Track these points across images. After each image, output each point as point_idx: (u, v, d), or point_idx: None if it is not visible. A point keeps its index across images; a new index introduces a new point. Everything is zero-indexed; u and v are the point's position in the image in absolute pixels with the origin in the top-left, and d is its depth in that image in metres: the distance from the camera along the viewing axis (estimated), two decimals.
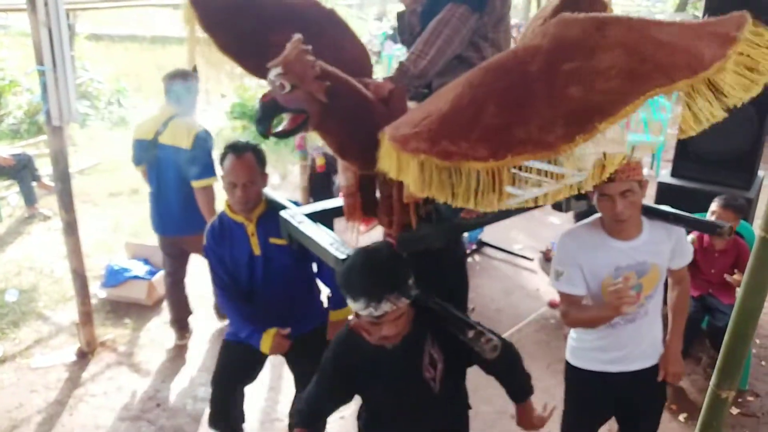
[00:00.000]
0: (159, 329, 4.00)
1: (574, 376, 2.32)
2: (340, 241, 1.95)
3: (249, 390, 2.75)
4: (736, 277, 3.34)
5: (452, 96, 1.39)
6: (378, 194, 2.05)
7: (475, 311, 4.14)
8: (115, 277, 4.23)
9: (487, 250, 5.19)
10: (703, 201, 3.48)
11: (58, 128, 3.29)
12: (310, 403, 1.97)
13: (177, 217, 3.45)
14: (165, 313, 4.17)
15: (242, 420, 2.76)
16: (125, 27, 14.40)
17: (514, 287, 4.61)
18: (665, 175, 4.00)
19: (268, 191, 2.53)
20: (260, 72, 1.92)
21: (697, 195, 3.65)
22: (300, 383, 2.68)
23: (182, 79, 3.40)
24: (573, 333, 2.33)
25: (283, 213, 2.20)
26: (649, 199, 4.21)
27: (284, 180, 6.80)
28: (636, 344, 2.16)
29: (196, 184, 3.33)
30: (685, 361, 3.35)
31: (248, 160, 2.38)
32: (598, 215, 2.12)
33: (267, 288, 2.49)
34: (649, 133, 7.91)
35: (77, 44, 8.71)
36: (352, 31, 2.14)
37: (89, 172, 6.85)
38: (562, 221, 5.76)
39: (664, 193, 3.89)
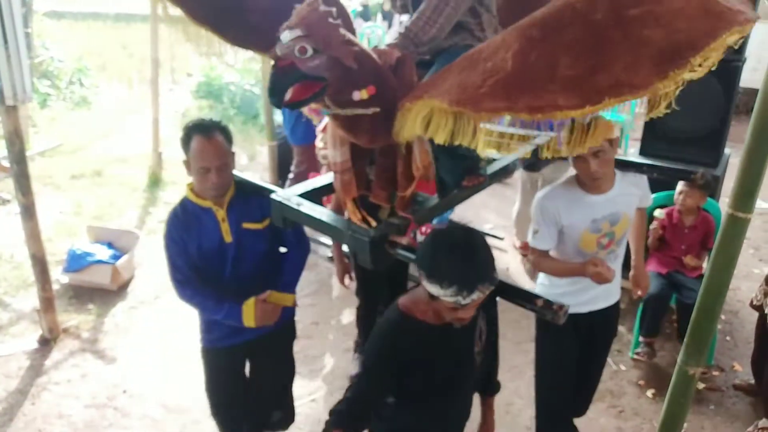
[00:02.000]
0: (124, 314, 3.92)
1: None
2: (351, 221, 1.89)
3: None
4: (688, 260, 3.42)
5: (510, 54, 1.39)
6: (375, 168, 2.01)
7: None
8: (77, 262, 4.11)
9: None
10: (671, 179, 3.50)
11: (12, 108, 3.16)
12: (357, 401, 1.76)
13: None
14: (130, 298, 4.09)
15: None
16: (88, 4, 13.97)
17: None
18: (633, 153, 4.01)
19: (235, 171, 2.36)
20: (241, 41, 1.87)
21: (665, 173, 3.67)
22: (263, 383, 2.55)
23: None
24: (545, 280, 2.44)
25: (274, 196, 2.07)
26: None
27: (252, 161, 6.70)
28: (604, 286, 2.25)
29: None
30: (654, 339, 3.42)
31: (219, 141, 2.16)
32: (573, 174, 2.26)
33: (237, 278, 2.29)
34: (617, 111, 7.97)
35: (36, 22, 8.41)
36: None
37: (50, 154, 6.66)
38: None
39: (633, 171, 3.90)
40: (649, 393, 3.27)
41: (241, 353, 2.47)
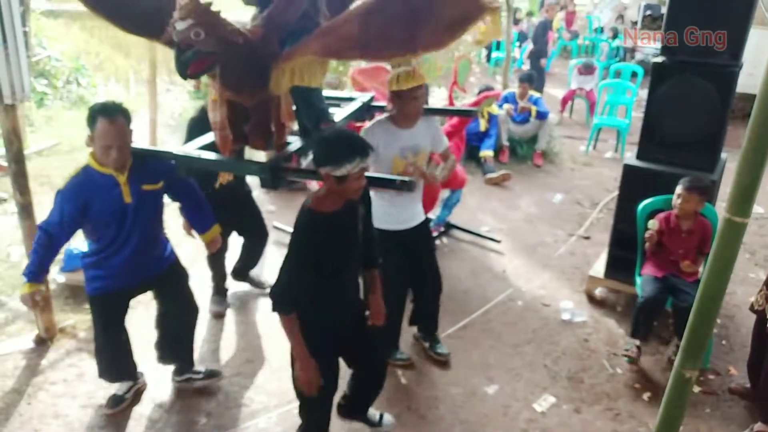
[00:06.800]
0: None
1: (382, 237, 2.89)
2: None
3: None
4: (685, 267, 3.43)
5: (355, 26, 2.23)
6: (250, 125, 2.63)
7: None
8: (74, 261, 4.08)
9: (455, 232, 5.19)
10: (668, 183, 3.51)
11: (10, 107, 3.16)
12: (292, 284, 2.25)
13: None
14: None
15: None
16: None
17: (481, 269, 4.63)
18: (630, 157, 4.02)
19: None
20: (132, 29, 2.53)
21: (662, 177, 3.68)
22: (166, 317, 3.12)
23: None
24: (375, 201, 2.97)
25: (176, 152, 2.67)
26: (614, 181, 4.24)
27: None
28: (414, 207, 3.23)
29: None
30: (649, 342, 3.43)
31: (121, 123, 2.56)
32: (385, 115, 3.11)
33: (135, 233, 2.72)
34: (614, 115, 8.00)
35: (33, 20, 8.39)
36: None
37: (47, 153, 6.64)
38: (528, 204, 5.80)
39: (630, 175, 3.91)
40: (645, 396, 3.28)
41: (126, 297, 2.94)
